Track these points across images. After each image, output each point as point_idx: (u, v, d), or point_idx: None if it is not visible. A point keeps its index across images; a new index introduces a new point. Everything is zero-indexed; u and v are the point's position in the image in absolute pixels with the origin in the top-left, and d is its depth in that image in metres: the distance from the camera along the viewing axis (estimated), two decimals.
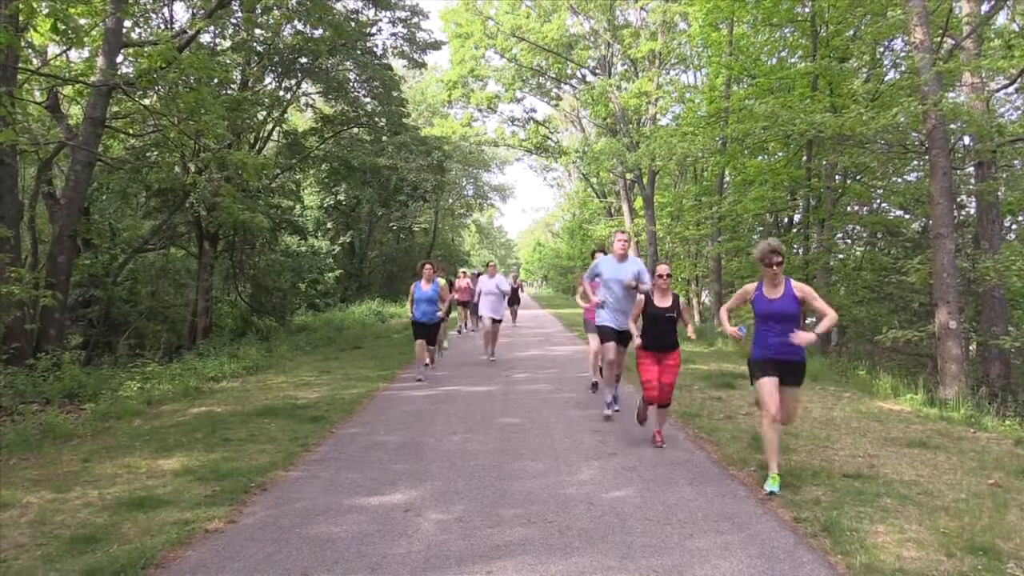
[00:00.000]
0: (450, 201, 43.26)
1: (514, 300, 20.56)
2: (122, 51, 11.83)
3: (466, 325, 19.80)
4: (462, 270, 21.86)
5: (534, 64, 31.67)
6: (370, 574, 3.75)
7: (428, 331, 10.63)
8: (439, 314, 10.74)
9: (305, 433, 7.09)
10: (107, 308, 13.32)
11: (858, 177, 18.30)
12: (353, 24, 18.69)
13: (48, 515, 4.62)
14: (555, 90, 34.57)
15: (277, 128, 19.63)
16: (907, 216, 19.73)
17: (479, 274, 18.89)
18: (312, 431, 7.20)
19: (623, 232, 8.04)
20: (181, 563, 3.91)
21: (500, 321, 13.24)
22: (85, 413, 8.09)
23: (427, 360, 10.91)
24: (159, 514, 4.64)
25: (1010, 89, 14.85)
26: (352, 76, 20.32)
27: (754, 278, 21.01)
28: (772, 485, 5.03)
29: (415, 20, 21.60)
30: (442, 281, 10.93)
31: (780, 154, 19.19)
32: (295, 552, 4.05)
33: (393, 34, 21.79)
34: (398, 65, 24.44)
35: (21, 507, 4.78)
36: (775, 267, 5.29)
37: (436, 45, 23.22)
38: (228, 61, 16.47)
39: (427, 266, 10.57)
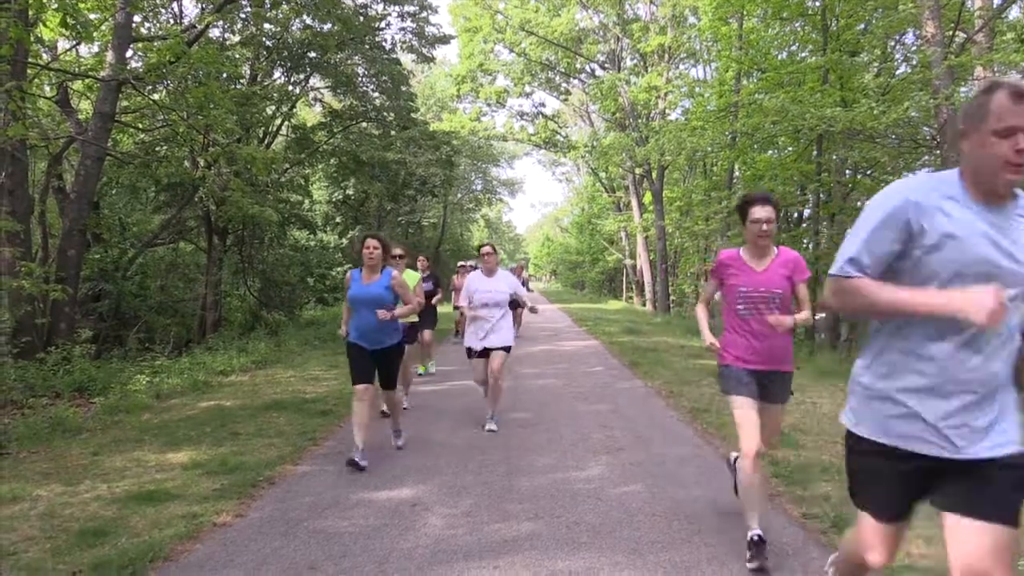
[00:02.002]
0: (459, 196, 43.22)
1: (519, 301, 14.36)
2: (131, 46, 11.88)
3: (459, 334, 15.09)
4: (460, 263, 16.54)
5: (543, 58, 31.66)
6: (377, 568, 3.75)
7: (378, 364, 5.86)
8: (396, 330, 5.92)
9: (313, 427, 7.10)
10: (117, 302, 13.38)
11: (869, 172, 18.21)
12: (362, 18, 18.68)
13: (57, 508, 4.64)
14: (564, 84, 34.54)
15: (286, 123, 19.66)
16: None
17: (471, 266, 13.41)
18: (320, 425, 7.21)
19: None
20: (189, 556, 3.92)
21: (509, 350, 7.02)
22: (94, 407, 8.13)
23: (374, 414, 6.55)
24: (168, 507, 4.65)
25: None
26: (361, 71, 20.31)
27: None
28: None
29: (424, 14, 21.57)
30: (398, 273, 5.87)
31: (790, 149, 19.11)
32: (303, 546, 4.06)
33: (402, 28, 21.78)
34: (407, 60, 24.41)
35: (31, 500, 4.81)
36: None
37: (445, 39, 23.19)
38: (237, 56, 16.49)
39: (371, 243, 5.72)
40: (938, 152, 11.79)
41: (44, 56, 13.27)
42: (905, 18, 13.53)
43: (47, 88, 12.95)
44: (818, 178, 16.72)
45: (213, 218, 15.58)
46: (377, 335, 5.75)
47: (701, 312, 4.43)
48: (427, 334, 10.24)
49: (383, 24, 20.51)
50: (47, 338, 10.26)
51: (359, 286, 5.78)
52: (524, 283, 15.77)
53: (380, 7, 20.55)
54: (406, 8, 21.15)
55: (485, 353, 6.97)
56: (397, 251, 7.42)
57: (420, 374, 10.41)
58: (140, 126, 13.58)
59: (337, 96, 21.35)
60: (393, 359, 5.99)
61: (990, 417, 2.15)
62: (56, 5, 8.81)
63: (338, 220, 29.40)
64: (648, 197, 31.16)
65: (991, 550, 2.06)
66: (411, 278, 7.88)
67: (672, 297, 31.53)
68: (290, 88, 18.91)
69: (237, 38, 16.84)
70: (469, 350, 7.10)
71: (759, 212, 3.92)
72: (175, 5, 15.69)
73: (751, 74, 20.32)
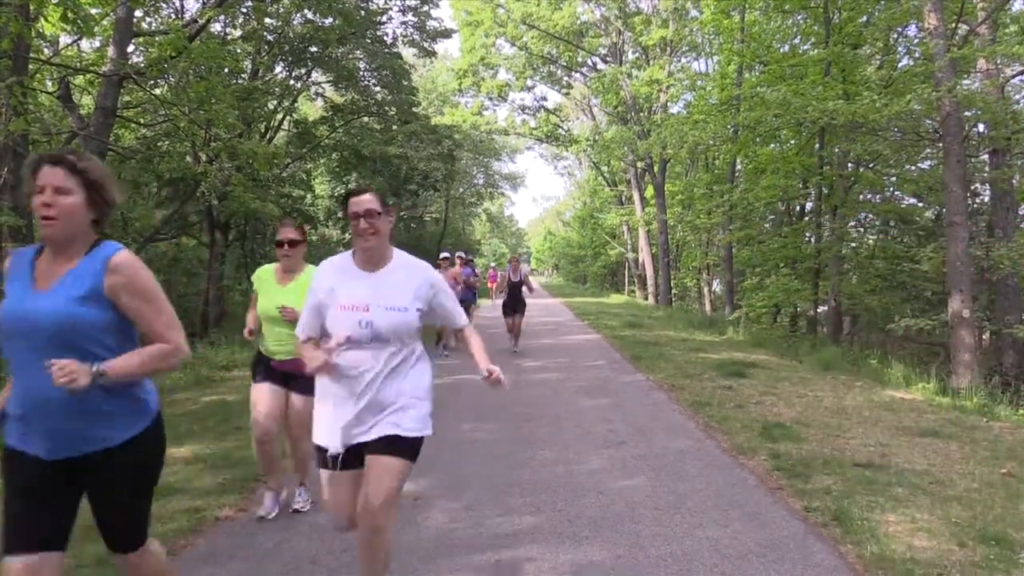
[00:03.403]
0: (460, 190, 43.16)
1: (518, 303, 12.72)
2: (133, 41, 11.84)
3: (444, 345, 12.54)
4: (459, 254, 14.74)
5: (545, 52, 31.57)
6: None
7: (91, 496, 2.31)
8: (129, 408, 2.29)
9: None
10: None
11: (871, 165, 18.16)
12: (363, 12, 18.64)
13: None
14: (566, 78, 34.45)
15: (287, 117, 19.67)
16: (920, 204, 19.59)
17: (462, 258, 13.73)
18: None
19: None
20: (192, 550, 3.94)
21: (418, 450, 3.09)
22: None
23: None
24: (170, 502, 4.66)
25: None
26: (362, 65, 20.30)
27: (767, 267, 20.79)
28: None
29: (425, 8, 21.51)
30: (129, 256, 2.34)
31: (792, 142, 19.05)
32: (305, 540, 4.07)
33: (403, 22, 21.71)
34: (408, 54, 24.37)
35: None
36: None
37: (446, 33, 23.15)
38: (238, 50, 16.49)
39: (45, 177, 2.28)
40: (940, 145, 11.76)
41: (45, 51, 13.24)
42: (907, 10, 13.46)
43: (49, 83, 12.93)
44: (820, 171, 16.68)
45: (215, 213, 15.61)
46: (72, 424, 2.21)
47: None
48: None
49: (384, 18, 20.47)
50: None
51: (24, 291, 2.31)
52: (524, 278, 12.92)
53: (381, 1, 20.52)
54: (407, 2, 21.10)
55: (355, 459, 2.95)
56: (289, 234, 4.29)
57: None
58: (142, 121, 13.57)
59: (338, 91, 21.34)
60: (124, 480, 2.34)
61: None
62: (57, 0, 8.81)
63: (340, 215, 29.46)
64: (650, 191, 31.11)
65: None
66: (306, 279, 4.20)
67: (674, 291, 31.51)
68: (291, 83, 18.92)
69: (238, 33, 16.82)
70: (320, 452, 2.99)
71: None
72: (176, 0, 15.69)
73: (753, 67, 20.26)
